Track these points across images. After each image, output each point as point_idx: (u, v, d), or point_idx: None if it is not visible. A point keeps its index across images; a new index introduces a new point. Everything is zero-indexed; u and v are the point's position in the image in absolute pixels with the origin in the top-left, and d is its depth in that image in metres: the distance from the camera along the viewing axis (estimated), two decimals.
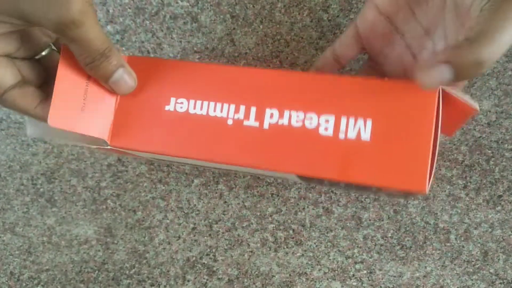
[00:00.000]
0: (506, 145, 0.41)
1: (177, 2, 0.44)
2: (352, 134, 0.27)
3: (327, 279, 0.42)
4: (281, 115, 0.29)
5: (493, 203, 0.41)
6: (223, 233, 0.44)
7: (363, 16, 0.34)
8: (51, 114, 0.28)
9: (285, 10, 0.43)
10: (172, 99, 0.31)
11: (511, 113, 0.41)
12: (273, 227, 0.44)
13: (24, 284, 0.48)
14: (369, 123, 0.27)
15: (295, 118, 0.28)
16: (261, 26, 0.44)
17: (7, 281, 0.48)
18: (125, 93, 0.31)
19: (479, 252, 0.40)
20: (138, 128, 0.31)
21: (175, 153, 0.30)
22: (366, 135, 0.27)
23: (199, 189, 0.45)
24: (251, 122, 0.29)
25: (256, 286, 0.43)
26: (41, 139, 0.48)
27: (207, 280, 0.44)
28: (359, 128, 0.27)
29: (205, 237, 0.45)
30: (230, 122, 0.29)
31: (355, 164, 0.27)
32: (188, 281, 0.44)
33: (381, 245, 0.41)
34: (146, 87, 0.31)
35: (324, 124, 0.28)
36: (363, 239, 0.42)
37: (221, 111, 0.30)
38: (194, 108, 0.30)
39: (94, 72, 0.29)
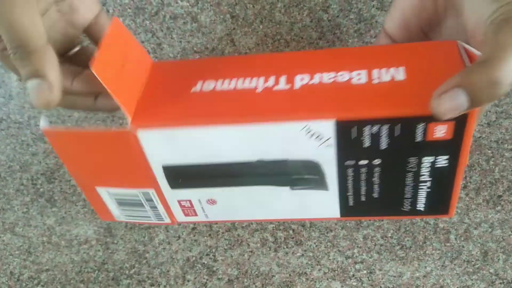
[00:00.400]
0: (506, 145, 0.41)
1: (177, 2, 0.44)
2: (386, 78, 0.27)
3: (327, 279, 0.42)
4: (311, 78, 0.28)
5: (493, 203, 0.41)
6: (223, 233, 0.44)
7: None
8: (97, 60, 0.26)
9: (285, 10, 0.43)
10: (199, 82, 0.30)
11: (510, 113, 0.41)
12: (273, 227, 0.44)
13: (24, 284, 0.48)
14: (401, 68, 0.27)
15: (326, 77, 0.28)
16: (261, 26, 0.44)
17: (7, 281, 0.48)
18: (36, 107, 0.26)
19: (479, 252, 0.40)
20: (162, 109, 0.29)
21: (200, 123, 0.28)
22: (400, 77, 0.26)
23: None
24: (281, 86, 0.28)
25: (256, 286, 0.43)
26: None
27: (207, 280, 0.44)
28: (392, 74, 0.27)
29: (205, 237, 0.45)
30: (259, 90, 0.28)
31: (394, 99, 0.26)
32: (188, 281, 0.44)
33: (381, 245, 0.41)
34: (171, 77, 0.31)
35: (357, 77, 0.27)
36: (363, 239, 0.42)
37: (250, 83, 0.29)
38: (222, 85, 0.29)
39: (14, 63, 0.24)
